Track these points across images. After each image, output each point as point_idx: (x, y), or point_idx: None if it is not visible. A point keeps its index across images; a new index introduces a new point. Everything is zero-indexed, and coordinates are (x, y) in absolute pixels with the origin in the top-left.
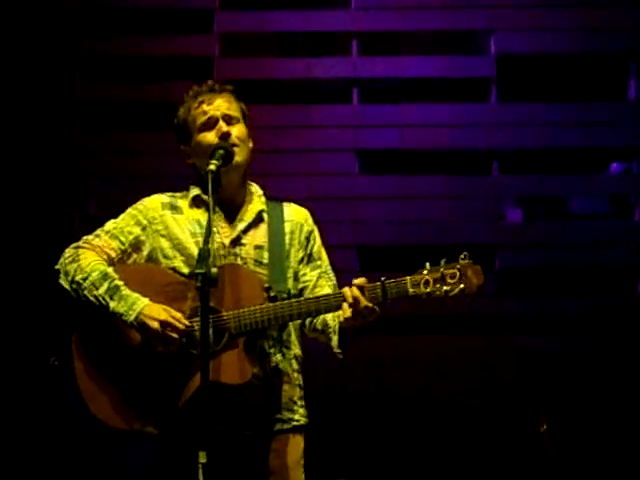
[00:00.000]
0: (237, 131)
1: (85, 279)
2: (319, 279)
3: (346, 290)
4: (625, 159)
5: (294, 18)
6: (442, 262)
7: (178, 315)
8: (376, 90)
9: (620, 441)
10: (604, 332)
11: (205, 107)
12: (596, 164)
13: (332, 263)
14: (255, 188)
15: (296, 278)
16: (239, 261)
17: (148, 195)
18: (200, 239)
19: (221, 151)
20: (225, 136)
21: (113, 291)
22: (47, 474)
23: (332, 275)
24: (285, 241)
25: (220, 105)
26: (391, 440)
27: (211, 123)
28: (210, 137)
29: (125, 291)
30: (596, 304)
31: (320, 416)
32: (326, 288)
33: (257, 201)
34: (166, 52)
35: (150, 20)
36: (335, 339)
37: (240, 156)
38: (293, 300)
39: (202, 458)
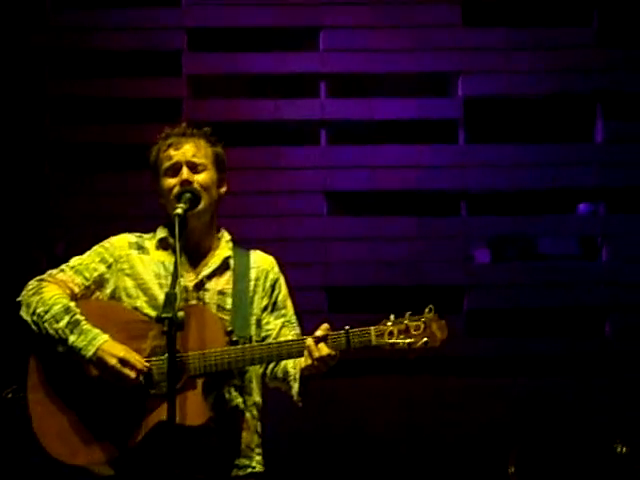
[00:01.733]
0: (201, 178)
1: (47, 312)
2: (282, 328)
3: (309, 340)
4: (592, 200)
5: (262, 60)
6: (407, 314)
7: (136, 356)
8: (345, 131)
9: None
10: (573, 373)
11: (172, 152)
12: (564, 205)
13: (301, 304)
14: (223, 234)
15: (259, 325)
16: (200, 304)
17: (116, 235)
18: (164, 281)
19: (188, 194)
20: (184, 184)
21: (73, 325)
22: None
23: (296, 324)
24: (250, 287)
25: (187, 151)
26: None
27: (175, 169)
28: (172, 182)
29: (86, 326)
30: (565, 345)
31: (279, 463)
32: (289, 337)
33: (224, 247)
34: (135, 94)
35: (118, 62)
36: (296, 387)
37: (202, 204)
38: (255, 344)
39: None
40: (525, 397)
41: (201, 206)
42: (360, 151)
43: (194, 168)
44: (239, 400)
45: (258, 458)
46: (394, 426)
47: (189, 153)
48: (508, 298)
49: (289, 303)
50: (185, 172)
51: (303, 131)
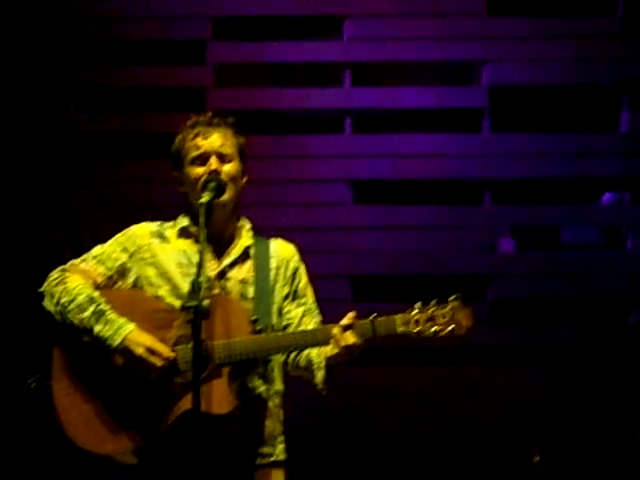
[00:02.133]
0: (229, 169)
1: (71, 302)
2: (303, 316)
3: (335, 328)
4: (617, 189)
5: (287, 49)
6: (433, 302)
7: (161, 346)
8: (369, 120)
9: (613, 471)
10: (597, 362)
11: (199, 141)
12: (588, 194)
13: (326, 293)
14: (244, 222)
15: (280, 314)
16: (223, 294)
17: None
18: (186, 270)
19: (213, 184)
20: (212, 174)
21: (99, 315)
22: None
23: (317, 312)
24: (270, 276)
25: (215, 141)
26: (381, 472)
27: (203, 158)
28: (199, 171)
29: (111, 315)
30: (589, 334)
31: (302, 451)
32: (311, 325)
33: (245, 236)
34: (160, 83)
35: (144, 51)
36: (320, 375)
37: (228, 194)
38: (279, 333)
39: None
40: (549, 387)
41: (226, 196)
42: (385, 140)
43: (222, 158)
44: (262, 388)
45: (281, 446)
46: (417, 415)
47: (217, 143)
48: (532, 287)
49: (309, 291)
50: (214, 162)
51: (328, 120)
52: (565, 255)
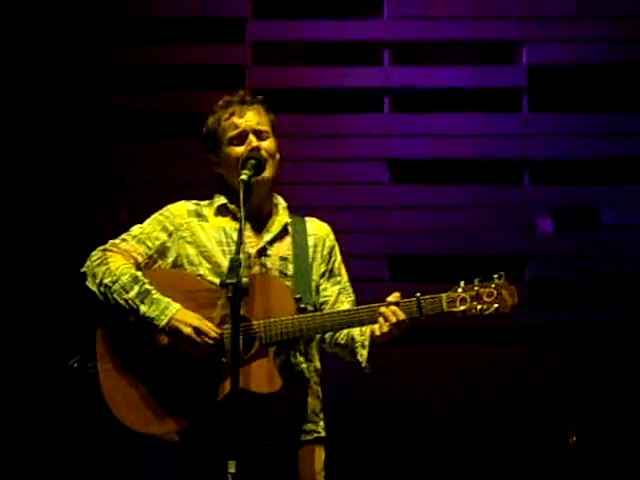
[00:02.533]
0: (267, 145)
1: (114, 282)
2: (339, 295)
3: (383, 307)
4: None
5: (327, 27)
6: (476, 281)
7: (209, 324)
8: (407, 100)
9: None
10: (635, 343)
11: (236, 120)
12: (629, 175)
13: (363, 272)
14: (279, 200)
15: (317, 292)
16: (264, 271)
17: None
18: (226, 248)
19: (253, 161)
20: (254, 151)
21: (144, 295)
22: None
23: (351, 291)
24: (309, 254)
25: (251, 118)
26: (416, 452)
27: (242, 137)
28: (240, 151)
29: (156, 295)
30: (627, 315)
31: (339, 428)
32: (346, 304)
33: (282, 213)
34: (198, 61)
35: (183, 29)
36: (364, 353)
37: (268, 171)
38: (325, 313)
39: (231, 468)
40: (586, 367)
41: (267, 173)
42: (423, 119)
43: (259, 135)
44: (304, 366)
45: (322, 423)
46: (454, 395)
47: (254, 121)
48: (570, 268)
49: (344, 270)
50: (254, 140)
51: (366, 99)
52: (604, 236)
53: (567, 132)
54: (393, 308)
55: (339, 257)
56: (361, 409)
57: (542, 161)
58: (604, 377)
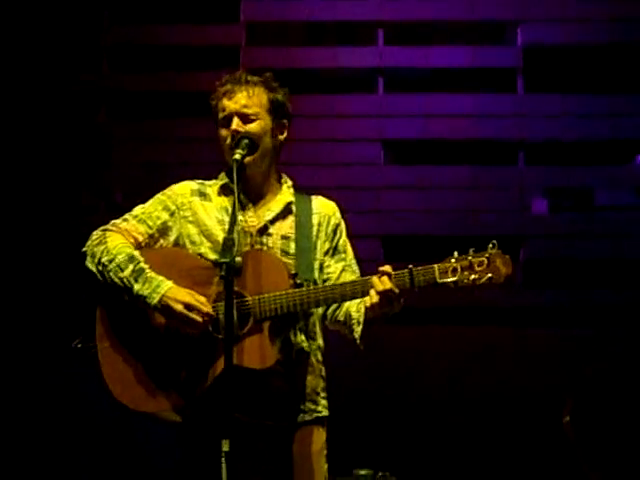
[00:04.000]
0: (251, 127)
1: (111, 261)
2: (343, 272)
3: (374, 277)
4: None
5: (321, 7)
6: (470, 251)
7: (202, 299)
8: (402, 80)
9: None
10: (629, 324)
11: (225, 102)
12: (622, 156)
13: (356, 253)
14: (285, 179)
15: (321, 270)
16: (260, 248)
17: (174, 183)
18: (227, 226)
19: (246, 140)
20: (234, 134)
21: (138, 273)
22: (68, 458)
23: (356, 268)
24: (312, 233)
25: (239, 100)
26: (414, 431)
27: (228, 119)
28: (224, 133)
29: (150, 274)
30: (621, 296)
31: (342, 407)
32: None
33: (286, 192)
34: (192, 41)
35: (177, 9)
36: (359, 330)
37: (248, 157)
38: (319, 286)
39: (225, 446)
40: (580, 347)
41: (254, 155)
42: (417, 99)
43: (245, 117)
44: (305, 344)
45: (324, 402)
46: (449, 375)
47: (241, 102)
48: (564, 249)
49: (349, 248)
50: (235, 123)
51: (360, 79)
52: (599, 216)
53: (562, 113)
54: (383, 278)
55: (344, 235)
56: (362, 389)
57: (537, 142)
58: (599, 356)
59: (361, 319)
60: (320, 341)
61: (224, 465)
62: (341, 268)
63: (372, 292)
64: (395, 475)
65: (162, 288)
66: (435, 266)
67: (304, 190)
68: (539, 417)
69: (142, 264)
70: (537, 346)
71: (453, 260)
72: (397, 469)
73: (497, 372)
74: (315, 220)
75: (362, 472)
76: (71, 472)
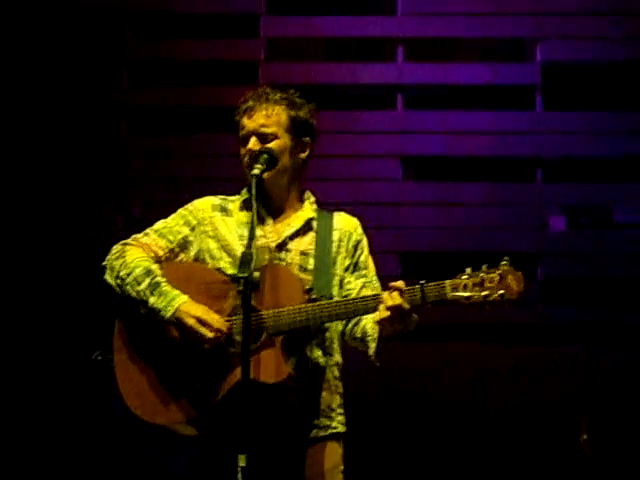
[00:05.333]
0: (269, 147)
1: (129, 274)
2: (363, 288)
3: (384, 293)
4: None
5: (340, 23)
6: (483, 267)
7: (215, 316)
8: (421, 96)
9: None
10: None
11: (244, 121)
12: None
13: (375, 268)
14: (308, 195)
15: (341, 286)
16: (275, 263)
17: (193, 198)
18: (247, 242)
19: (265, 155)
20: (251, 154)
21: (154, 287)
22: (87, 469)
23: (378, 285)
24: (332, 249)
25: (256, 119)
26: (432, 448)
27: (246, 138)
28: (242, 152)
29: (165, 287)
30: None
31: (362, 424)
32: None
33: (307, 208)
34: (213, 56)
35: (197, 25)
36: (373, 346)
37: (267, 173)
38: (331, 301)
39: (242, 462)
40: (599, 365)
41: (273, 170)
42: (436, 116)
43: (262, 137)
44: (321, 359)
45: (340, 418)
46: (466, 392)
47: (258, 122)
48: (583, 266)
49: (371, 265)
50: (251, 142)
51: (380, 95)
52: (618, 234)
53: (580, 130)
54: (393, 293)
55: (366, 251)
56: (382, 405)
57: (555, 159)
58: (617, 375)
59: (375, 335)
60: (338, 357)
61: None
62: (361, 285)
63: (381, 307)
64: None
65: (176, 302)
66: (447, 282)
67: (324, 206)
68: (557, 435)
69: (158, 278)
70: (554, 363)
71: (465, 276)
72: None
73: (513, 388)
74: (336, 236)
75: None
76: None
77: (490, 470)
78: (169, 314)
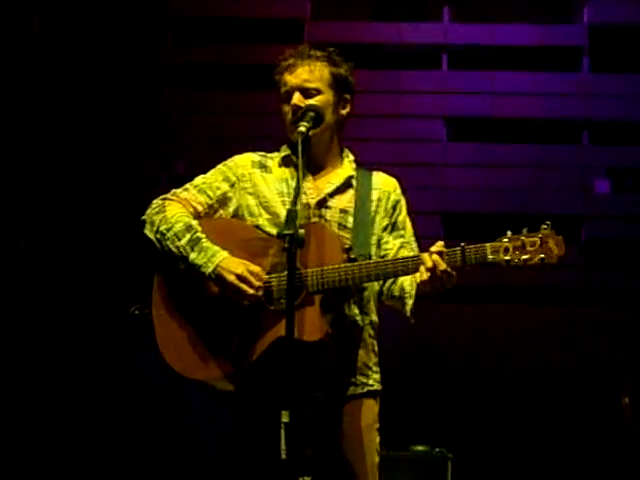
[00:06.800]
0: (313, 102)
1: (169, 229)
2: (400, 248)
3: (425, 254)
4: None
5: None
6: (524, 231)
7: (256, 270)
8: (466, 57)
9: None
10: None
11: (286, 77)
12: None
13: (416, 229)
14: (347, 153)
15: (379, 245)
16: (316, 221)
17: (235, 155)
18: (286, 199)
19: (312, 113)
20: (295, 109)
21: (194, 242)
22: (121, 428)
23: (415, 246)
24: (371, 208)
25: (299, 75)
26: (470, 408)
27: (289, 94)
28: (286, 109)
29: (206, 243)
30: None
31: (399, 383)
32: None
33: (347, 166)
34: (258, 14)
35: None
36: (410, 304)
37: (312, 130)
38: (371, 261)
39: (285, 417)
40: None
41: (318, 128)
42: (481, 77)
43: (306, 92)
44: (358, 317)
45: (376, 376)
46: (508, 353)
47: (302, 77)
48: (626, 229)
49: (408, 225)
50: (295, 98)
51: (425, 55)
52: None
53: (627, 92)
54: (434, 255)
55: (404, 211)
56: (419, 366)
57: (602, 122)
58: None
59: (413, 293)
60: (374, 317)
61: (283, 436)
62: (399, 245)
63: (422, 269)
64: (452, 452)
65: (217, 258)
66: (487, 245)
67: (365, 165)
68: (599, 398)
69: (199, 233)
70: (596, 326)
71: (506, 240)
72: (453, 445)
73: (556, 351)
74: (375, 195)
75: (419, 448)
76: (125, 439)
77: (530, 430)
78: (210, 270)
